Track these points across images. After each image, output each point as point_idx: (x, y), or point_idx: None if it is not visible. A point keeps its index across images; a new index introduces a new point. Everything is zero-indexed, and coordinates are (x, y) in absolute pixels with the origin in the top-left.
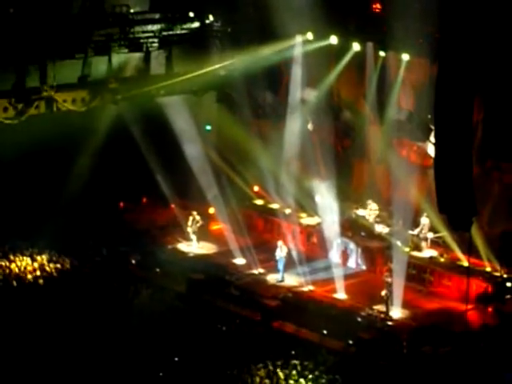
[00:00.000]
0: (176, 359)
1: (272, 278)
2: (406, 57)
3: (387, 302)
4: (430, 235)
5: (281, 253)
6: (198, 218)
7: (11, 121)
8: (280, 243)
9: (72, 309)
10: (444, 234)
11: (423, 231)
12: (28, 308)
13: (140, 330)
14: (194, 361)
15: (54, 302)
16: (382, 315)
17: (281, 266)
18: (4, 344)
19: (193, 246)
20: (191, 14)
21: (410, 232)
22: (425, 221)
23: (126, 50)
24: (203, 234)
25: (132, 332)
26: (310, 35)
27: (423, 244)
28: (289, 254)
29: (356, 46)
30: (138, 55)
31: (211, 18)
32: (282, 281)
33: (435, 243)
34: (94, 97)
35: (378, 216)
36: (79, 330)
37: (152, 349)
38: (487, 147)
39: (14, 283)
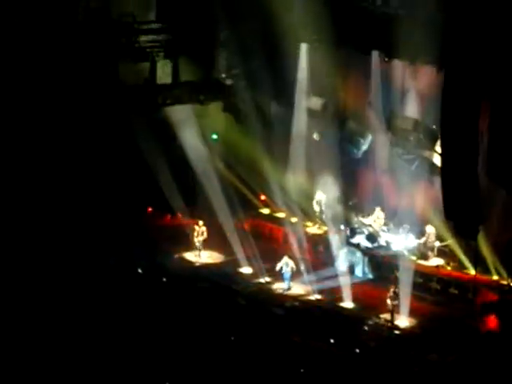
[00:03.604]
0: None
1: (279, 287)
2: (412, 65)
3: (393, 310)
4: (437, 244)
5: (287, 268)
6: (203, 228)
7: None
8: (286, 258)
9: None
10: (450, 242)
11: (429, 240)
12: None
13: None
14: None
15: None
16: (389, 324)
17: (287, 275)
18: None
19: (199, 257)
20: (197, 24)
21: (417, 240)
22: (430, 229)
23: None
24: (210, 243)
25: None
26: (315, 44)
27: (429, 253)
28: (295, 264)
29: (362, 54)
30: None
31: (217, 27)
32: (288, 289)
33: (442, 252)
34: None
35: (384, 224)
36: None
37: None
38: (493, 154)
39: None
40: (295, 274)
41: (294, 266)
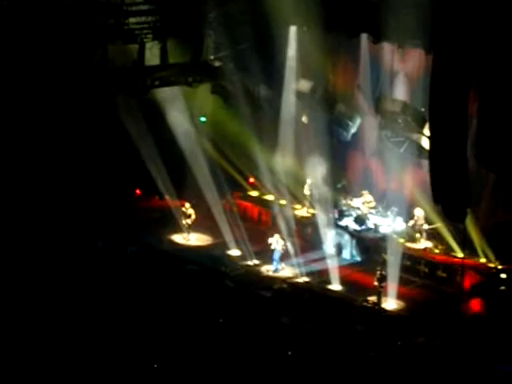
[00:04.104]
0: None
1: (267, 269)
2: (401, 47)
3: (380, 293)
4: (425, 226)
5: (277, 245)
6: (190, 211)
7: None
8: (276, 236)
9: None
10: (438, 225)
11: (418, 223)
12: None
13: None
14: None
15: None
16: (376, 306)
17: (276, 256)
18: None
19: (188, 239)
20: (185, 5)
21: (405, 223)
22: (419, 212)
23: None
24: (198, 226)
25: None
26: (304, 26)
27: (418, 235)
28: (284, 245)
29: (351, 37)
30: None
31: (206, 8)
32: (276, 270)
33: (430, 235)
34: None
35: (372, 207)
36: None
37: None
38: (482, 138)
39: None
40: (283, 257)
41: (284, 247)
